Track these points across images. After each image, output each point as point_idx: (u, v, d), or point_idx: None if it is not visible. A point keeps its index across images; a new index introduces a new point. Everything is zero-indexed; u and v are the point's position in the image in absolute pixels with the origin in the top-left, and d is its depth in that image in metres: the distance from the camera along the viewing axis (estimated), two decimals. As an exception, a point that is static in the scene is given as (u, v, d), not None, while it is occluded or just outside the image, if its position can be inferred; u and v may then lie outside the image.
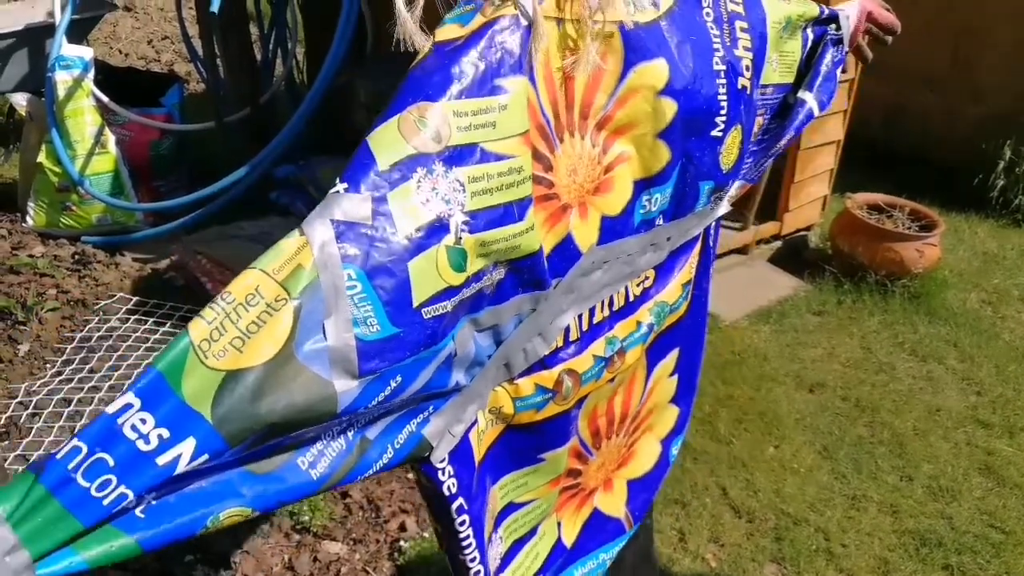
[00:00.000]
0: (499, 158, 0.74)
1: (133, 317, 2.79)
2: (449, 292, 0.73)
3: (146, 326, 2.74)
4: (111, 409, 0.61)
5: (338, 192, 0.69)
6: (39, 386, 2.45)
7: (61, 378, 2.46)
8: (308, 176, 3.52)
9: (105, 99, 3.54)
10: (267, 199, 3.67)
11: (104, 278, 3.03)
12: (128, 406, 0.60)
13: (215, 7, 3.10)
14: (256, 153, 3.71)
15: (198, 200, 3.32)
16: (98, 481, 0.58)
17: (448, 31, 0.74)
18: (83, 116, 3.41)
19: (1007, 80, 4.43)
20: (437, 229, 0.71)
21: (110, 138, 3.47)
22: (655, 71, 0.85)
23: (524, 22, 0.75)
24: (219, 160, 4.01)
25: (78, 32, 3.85)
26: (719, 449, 2.57)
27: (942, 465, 2.57)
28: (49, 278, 2.99)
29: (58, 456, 0.59)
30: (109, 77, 3.75)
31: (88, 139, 3.41)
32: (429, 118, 0.71)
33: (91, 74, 3.45)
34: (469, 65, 0.72)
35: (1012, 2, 4.34)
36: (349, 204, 0.69)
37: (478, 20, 0.74)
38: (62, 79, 3.36)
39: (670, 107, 0.87)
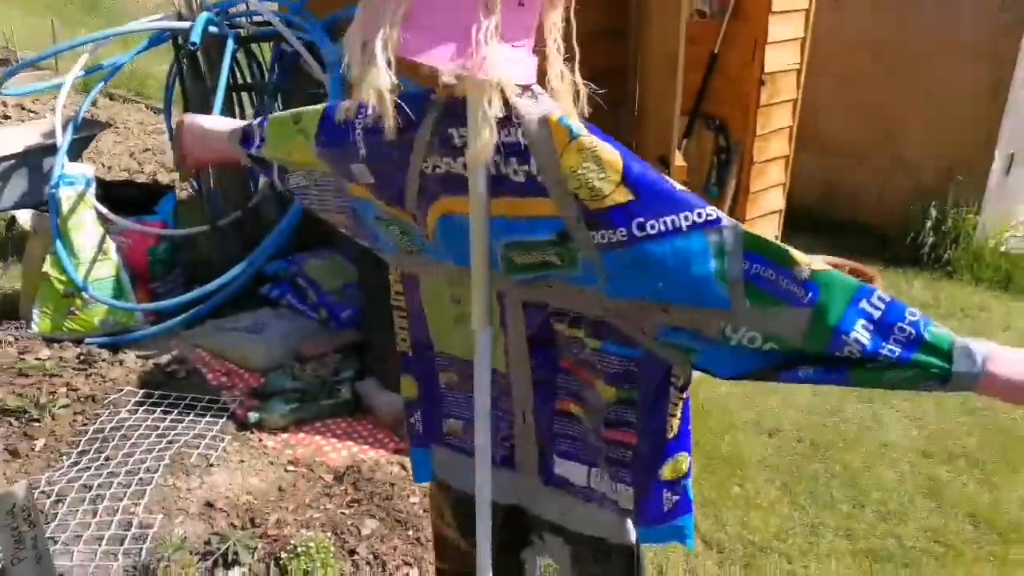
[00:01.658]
0: None
1: (142, 408, 3.01)
2: None
3: (155, 415, 2.96)
4: None
5: None
6: (58, 476, 2.65)
7: (78, 467, 2.66)
8: (296, 270, 3.80)
9: (105, 211, 3.82)
10: (258, 293, 3.94)
11: (110, 374, 3.25)
12: None
13: (196, 37, 3.44)
14: (246, 253, 4.01)
15: (197, 298, 3.59)
16: None
17: None
18: (85, 227, 3.69)
19: (929, 152, 4.90)
20: None
21: (111, 246, 3.74)
22: None
23: None
24: (211, 260, 4.30)
25: (75, 150, 4.17)
26: (689, 492, 2.82)
27: (890, 492, 2.85)
28: (58, 378, 3.21)
29: None
30: (106, 190, 4.05)
31: (90, 248, 3.68)
32: None
33: (92, 189, 3.74)
34: None
35: (925, 82, 4.85)
36: None
37: None
38: (66, 194, 3.65)
39: None
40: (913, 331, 1.02)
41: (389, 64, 1.05)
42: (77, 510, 2.42)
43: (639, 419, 1.27)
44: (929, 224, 4.76)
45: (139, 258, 3.98)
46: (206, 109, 4.04)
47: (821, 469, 2.97)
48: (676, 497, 1.32)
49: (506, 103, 1.13)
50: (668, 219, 1.09)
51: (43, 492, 2.57)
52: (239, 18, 4.25)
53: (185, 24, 3.89)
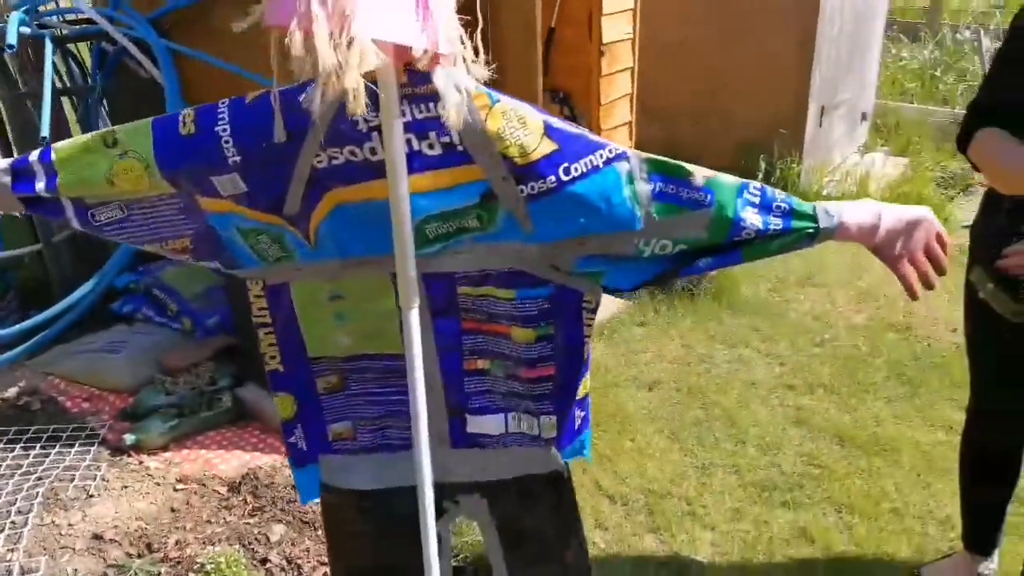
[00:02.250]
0: None
1: (-2, 447, 2.75)
2: None
3: (15, 453, 2.72)
4: None
5: None
6: (-89, 534, 2.39)
7: (-62, 519, 2.41)
8: (151, 281, 3.58)
9: (-84, 238, 3.44)
10: (106, 311, 3.68)
11: (-46, 416, 2.95)
12: None
13: (45, 131, 3.17)
14: (83, 269, 3.73)
15: (44, 322, 3.31)
16: None
17: None
18: None
19: (752, 108, 5.26)
20: None
21: (-70, 276, 3.38)
22: None
23: None
24: (45, 281, 3.96)
25: None
26: (585, 452, 2.92)
27: (764, 426, 3.07)
28: None
29: None
30: (-86, 216, 3.64)
31: (-94, 281, 3.30)
32: None
33: (-101, 215, 3.35)
34: None
35: (743, 48, 5.19)
36: None
37: None
38: None
39: None
40: (786, 205, 1.26)
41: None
42: (-54, 565, 2.20)
43: (557, 351, 1.39)
44: (760, 176, 5.12)
45: (-36, 286, 3.62)
46: (20, 116, 3.72)
47: (702, 414, 3.15)
48: (582, 413, 1.49)
49: (422, 78, 1.14)
50: (586, 160, 1.21)
51: None
52: (49, 17, 3.92)
53: (-12, 25, 3.54)
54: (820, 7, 4.94)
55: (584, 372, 1.43)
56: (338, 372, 1.44)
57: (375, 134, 1.17)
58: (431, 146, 1.18)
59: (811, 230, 1.25)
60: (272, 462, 2.74)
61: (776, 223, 1.25)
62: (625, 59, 4.11)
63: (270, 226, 1.27)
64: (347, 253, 1.29)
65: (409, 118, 1.16)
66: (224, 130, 1.20)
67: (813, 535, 2.51)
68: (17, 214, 1.30)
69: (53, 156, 1.25)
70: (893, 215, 1.26)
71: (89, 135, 1.28)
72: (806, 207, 1.26)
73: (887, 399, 3.25)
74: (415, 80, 1.14)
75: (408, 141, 1.17)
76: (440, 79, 1.15)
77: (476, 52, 1.16)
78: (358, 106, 1.01)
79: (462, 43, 1.11)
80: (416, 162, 1.19)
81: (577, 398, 1.44)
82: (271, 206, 1.24)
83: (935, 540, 2.50)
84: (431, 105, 1.16)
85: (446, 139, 1.18)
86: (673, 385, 3.35)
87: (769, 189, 1.27)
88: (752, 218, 1.24)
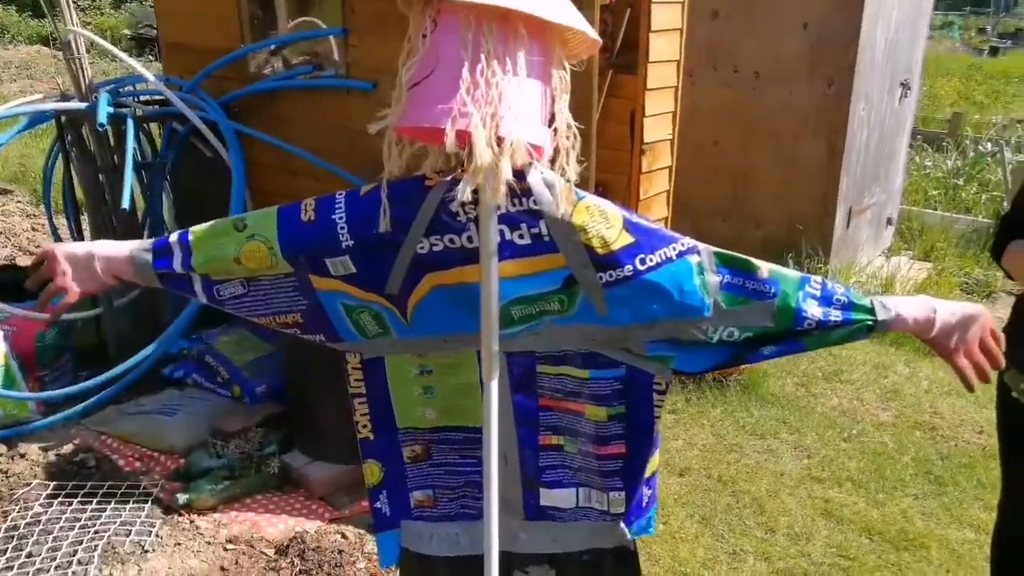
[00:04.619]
0: None
1: (56, 501, 2.87)
2: None
3: (73, 507, 2.83)
4: None
5: None
6: (-27, 579, 2.49)
7: None
8: (204, 348, 3.74)
9: (-10, 299, 3.65)
10: (159, 375, 3.83)
11: (14, 469, 3.07)
12: None
13: (125, 203, 3.41)
14: (138, 334, 3.91)
15: (102, 383, 3.47)
16: None
17: None
18: (-30, 316, 3.50)
19: (779, 208, 5.46)
20: None
21: (-2, 334, 3.56)
22: None
23: None
24: (100, 344, 4.14)
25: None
26: (619, 533, 3.00)
27: (794, 516, 3.13)
28: (-47, 477, 3.01)
29: None
30: (-14, 276, 3.86)
31: (-24, 337, 3.49)
32: None
33: (-24, 275, 3.57)
34: None
35: (771, 150, 5.43)
36: None
37: None
38: (-52, 282, 3.46)
39: None
40: (845, 299, 1.36)
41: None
42: (12, 610, 2.30)
43: (628, 429, 1.49)
44: (787, 274, 5.28)
45: (26, 345, 3.79)
46: (94, 188, 3.97)
47: (732, 501, 3.22)
48: (650, 491, 1.58)
49: (518, 175, 1.30)
50: (661, 251, 1.35)
51: (-43, 598, 2.41)
52: (126, 97, 4.22)
53: (76, 105, 3.83)
54: (849, 117, 5.18)
55: (653, 451, 1.52)
56: (423, 443, 1.56)
57: (472, 224, 1.33)
58: (521, 236, 1.33)
59: (869, 322, 1.34)
60: (317, 527, 2.84)
61: (836, 315, 1.34)
62: (664, 158, 4.33)
63: (372, 304, 1.42)
64: (439, 331, 1.43)
65: (504, 211, 1.32)
66: (341, 218, 1.36)
67: (843, 626, 2.56)
68: (156, 286, 1.44)
69: (190, 238, 1.42)
70: (947, 310, 1.34)
71: (220, 220, 1.45)
72: (864, 301, 1.36)
73: (915, 496, 3.31)
74: (514, 177, 1.28)
75: (501, 231, 1.33)
76: (535, 177, 1.32)
77: (567, 157, 1.32)
78: (498, 197, 1.18)
79: (572, 147, 1.26)
80: (507, 250, 1.33)
81: (646, 476, 1.53)
82: (375, 286, 1.39)
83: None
84: (524, 200, 1.32)
85: (535, 230, 1.33)
86: (704, 472, 3.43)
87: (830, 283, 1.37)
88: (813, 310, 1.34)
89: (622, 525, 1.55)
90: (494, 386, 1.44)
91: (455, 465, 1.56)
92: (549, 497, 1.57)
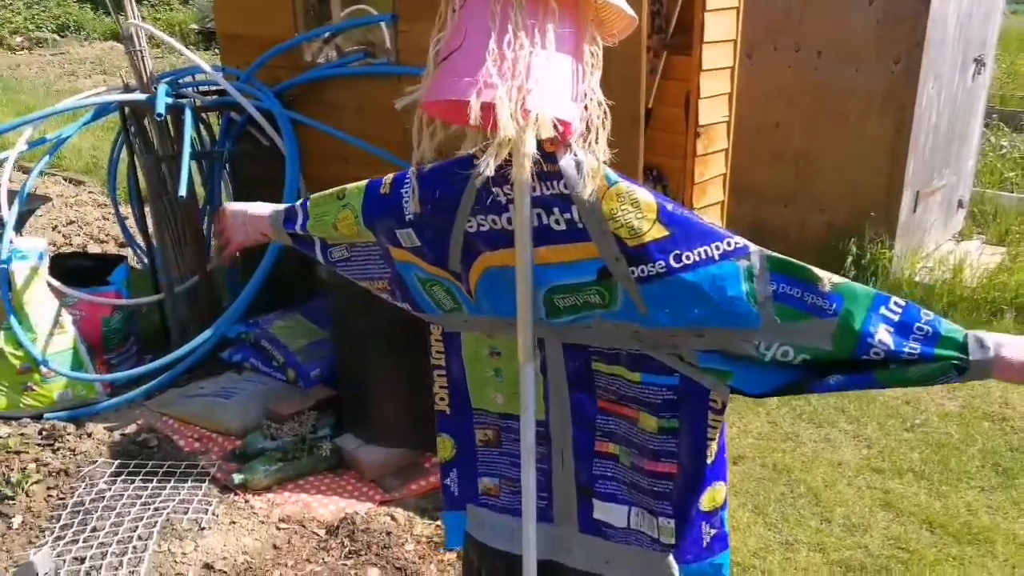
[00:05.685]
0: None
1: (119, 479, 2.97)
2: None
3: (135, 484, 2.93)
4: None
5: None
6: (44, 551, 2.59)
7: (65, 541, 2.61)
8: (260, 332, 3.81)
9: (58, 284, 3.78)
10: (218, 359, 3.93)
11: (80, 447, 3.19)
12: None
13: (182, 190, 3.51)
14: (197, 319, 4.01)
15: (164, 365, 3.58)
16: None
17: None
18: (40, 301, 3.64)
19: (842, 192, 5.30)
20: None
21: (67, 318, 3.70)
22: None
23: None
24: (162, 329, 4.27)
25: (16, 225, 4.11)
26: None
27: (851, 506, 3.05)
28: (24, 454, 3.13)
29: None
30: (58, 262, 4.00)
31: (46, 322, 3.62)
32: None
33: (46, 261, 3.71)
34: None
35: (834, 132, 5.27)
36: None
37: None
38: (20, 269, 3.60)
39: None
40: (931, 329, 1.14)
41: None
42: (75, 582, 2.39)
43: (681, 448, 1.36)
44: (850, 259, 5.12)
45: (94, 330, 3.93)
46: (155, 177, 4.07)
47: (787, 491, 3.15)
48: (714, 531, 1.41)
49: (549, 157, 1.28)
50: (701, 250, 1.23)
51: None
52: (186, 88, 4.31)
53: (137, 96, 3.94)
54: (917, 95, 4.99)
55: (709, 481, 1.37)
56: (494, 428, 1.54)
57: (512, 206, 1.31)
58: (557, 222, 1.30)
59: (957, 362, 1.13)
60: (368, 509, 2.88)
61: (913, 348, 1.14)
62: (720, 141, 4.24)
63: (441, 279, 1.45)
64: (501, 312, 1.41)
65: (538, 193, 1.30)
66: (407, 192, 1.41)
67: (901, 620, 2.48)
68: (290, 245, 1.64)
69: (308, 203, 1.57)
70: None
71: (331, 189, 1.56)
72: (956, 334, 1.14)
73: (981, 488, 3.18)
74: (544, 158, 1.26)
75: (538, 215, 1.30)
76: (566, 159, 1.29)
77: (597, 136, 1.28)
78: (524, 170, 1.14)
79: (603, 126, 1.21)
80: (543, 235, 1.31)
81: (702, 508, 1.39)
82: (439, 261, 1.42)
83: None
84: (556, 183, 1.29)
85: (568, 216, 1.29)
86: (758, 461, 3.36)
87: (916, 308, 1.16)
88: (884, 336, 1.15)
89: (671, 559, 1.42)
90: (530, 370, 1.43)
91: (518, 457, 1.51)
92: (602, 510, 1.48)
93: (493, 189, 1.33)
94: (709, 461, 1.36)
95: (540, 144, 1.23)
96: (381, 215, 1.46)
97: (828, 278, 1.19)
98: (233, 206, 1.68)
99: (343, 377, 3.45)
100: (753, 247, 1.23)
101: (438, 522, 2.85)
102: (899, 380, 1.19)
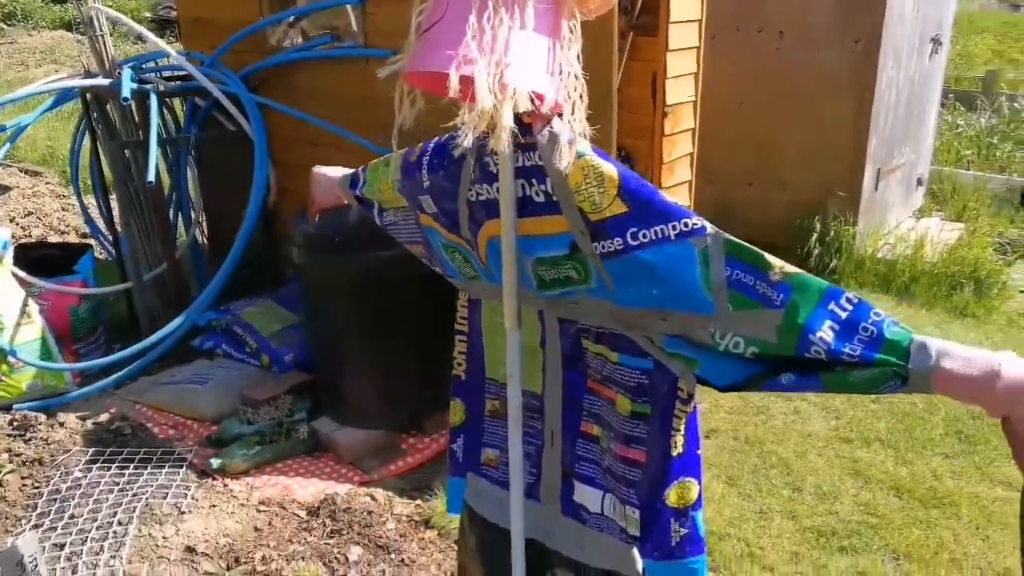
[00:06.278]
0: None
1: (95, 466, 2.94)
2: None
3: (111, 472, 2.91)
4: None
5: None
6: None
7: (44, 529, 2.58)
8: (231, 319, 3.79)
9: (23, 274, 3.72)
10: (189, 346, 3.90)
11: (53, 437, 3.15)
12: None
13: (151, 176, 3.47)
14: (167, 308, 3.98)
15: (134, 354, 3.54)
16: None
17: None
18: (6, 291, 3.58)
19: (805, 171, 5.39)
20: None
21: (33, 308, 3.64)
22: None
23: None
24: (131, 318, 4.22)
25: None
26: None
27: (822, 476, 3.13)
28: (-5, 445, 3.09)
29: None
30: (20, 252, 3.93)
31: (13, 312, 3.56)
32: None
33: (10, 252, 3.64)
34: None
35: (796, 112, 5.35)
36: None
37: None
38: (-17, 259, 3.53)
39: None
40: (875, 330, 1.05)
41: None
42: (55, 568, 2.37)
43: (650, 435, 1.33)
44: (815, 236, 5.22)
45: (61, 319, 3.88)
46: (120, 164, 4.01)
47: (759, 462, 3.22)
48: (684, 531, 1.35)
49: (528, 130, 1.30)
50: (657, 228, 1.18)
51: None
52: (149, 74, 4.25)
53: (100, 81, 3.87)
54: (877, 76, 5.08)
55: (676, 474, 1.32)
56: (502, 399, 1.54)
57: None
58: (537, 194, 1.31)
59: (898, 370, 1.04)
60: (348, 490, 2.89)
61: (854, 349, 1.06)
62: (687, 121, 4.29)
63: (459, 246, 1.48)
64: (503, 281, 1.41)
65: (520, 164, 1.32)
66: (425, 159, 1.46)
67: (871, 581, 2.56)
68: (354, 205, 1.70)
69: (368, 169, 1.63)
70: (1019, 373, 0.97)
71: (383, 157, 1.61)
72: (902, 337, 1.05)
73: (945, 455, 3.29)
74: (523, 131, 1.27)
75: (522, 186, 1.32)
76: (543, 131, 1.31)
77: (573, 109, 1.29)
78: (501, 142, 1.14)
79: (581, 99, 1.21)
80: (528, 206, 1.33)
81: (668, 503, 1.33)
82: (453, 228, 1.46)
83: (995, 591, 2.53)
84: (534, 154, 1.30)
85: (544, 187, 1.30)
86: (731, 434, 3.43)
87: (868, 306, 1.08)
88: (827, 334, 1.07)
89: (635, 553, 1.39)
90: (515, 337, 1.45)
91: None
92: (580, 493, 1.47)
93: (486, 159, 1.35)
94: (675, 453, 1.32)
95: (519, 117, 1.23)
96: (409, 182, 1.50)
97: (781, 267, 1.12)
98: (318, 169, 1.76)
99: (318, 361, 3.45)
100: (711, 229, 1.17)
101: (417, 501, 2.87)
102: (843, 385, 1.10)
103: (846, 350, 1.06)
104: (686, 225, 1.16)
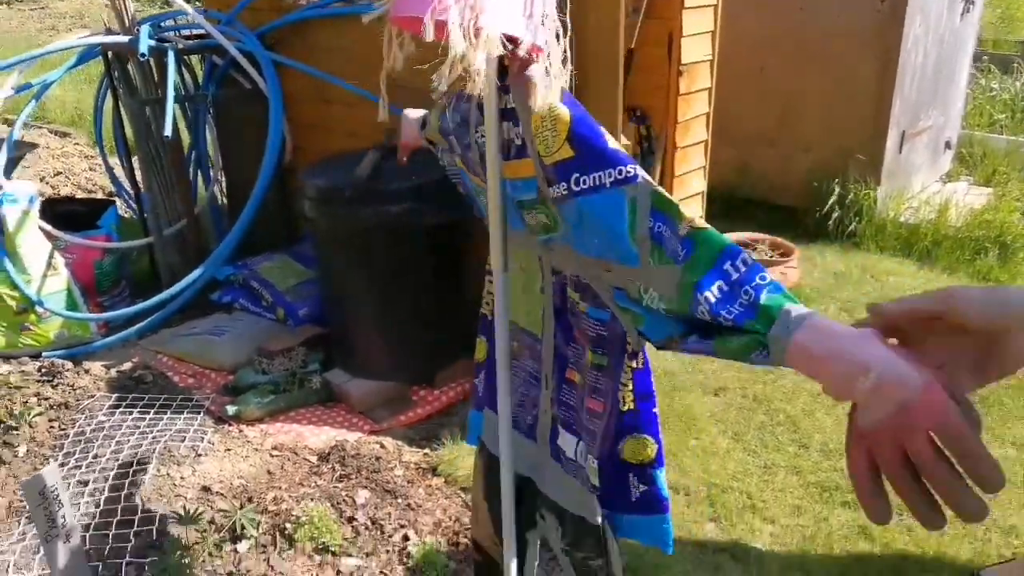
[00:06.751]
0: None
1: (118, 411, 3.04)
2: None
3: (133, 416, 3.01)
4: None
5: None
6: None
7: (69, 467, 2.69)
8: (248, 273, 3.87)
9: (49, 228, 3.82)
10: (207, 300, 3.99)
11: (79, 383, 3.26)
12: None
13: (167, 131, 3.52)
14: (187, 262, 4.07)
15: (156, 304, 3.64)
16: None
17: None
18: (32, 244, 3.68)
19: (827, 133, 5.32)
20: None
21: (59, 260, 3.74)
22: None
23: None
24: (153, 272, 4.32)
25: (5, 171, 4.12)
26: (651, 447, 3.05)
27: (829, 433, 3.14)
28: (25, 390, 3.20)
29: None
30: (48, 207, 4.03)
31: (39, 264, 3.67)
32: None
33: (37, 205, 3.73)
34: None
35: (819, 73, 5.28)
36: None
37: None
38: (11, 213, 3.63)
39: None
40: (754, 294, 0.96)
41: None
42: (79, 503, 2.47)
43: (607, 387, 1.36)
44: (834, 199, 5.17)
45: (86, 272, 3.99)
46: (141, 122, 4.08)
47: (766, 419, 3.25)
48: (644, 487, 1.36)
49: (505, 71, 1.32)
50: (596, 175, 1.16)
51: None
52: (168, 32, 4.30)
53: (119, 38, 3.93)
54: (903, 34, 4.99)
55: (629, 429, 1.34)
56: (520, 341, 1.57)
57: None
58: (516, 137, 1.33)
59: (762, 338, 0.94)
60: (357, 438, 2.96)
61: (729, 313, 0.98)
62: (703, 80, 4.26)
63: (483, 189, 1.48)
64: (516, 225, 1.43)
65: (503, 106, 1.32)
66: (453, 102, 1.52)
67: (873, 534, 2.59)
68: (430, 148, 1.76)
69: (431, 112, 1.69)
70: (896, 371, 0.77)
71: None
72: (775, 303, 0.94)
73: (954, 414, 3.28)
74: (502, 75, 1.29)
75: (505, 128, 1.34)
76: (519, 75, 1.32)
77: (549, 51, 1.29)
78: (476, 86, 1.13)
79: (557, 41, 1.20)
80: (511, 150, 1.34)
81: (623, 457, 1.36)
82: (472, 168, 1.52)
83: (998, 547, 2.54)
84: (507, 98, 1.31)
85: (518, 130, 1.30)
86: (739, 392, 3.45)
87: (758, 268, 0.99)
88: (712, 294, 1.00)
89: (595, 502, 1.42)
90: (502, 279, 1.49)
91: (521, 370, 1.58)
92: (563, 438, 1.51)
93: (438, 97, 1.38)
94: (624, 408, 1.33)
95: (501, 60, 1.25)
96: (444, 124, 1.57)
97: (690, 222, 1.06)
98: (406, 112, 1.82)
99: (329, 313, 3.52)
100: (642, 178, 1.12)
101: (425, 450, 2.94)
102: (726, 351, 1.00)
103: (723, 313, 0.98)
104: (620, 172, 1.14)
